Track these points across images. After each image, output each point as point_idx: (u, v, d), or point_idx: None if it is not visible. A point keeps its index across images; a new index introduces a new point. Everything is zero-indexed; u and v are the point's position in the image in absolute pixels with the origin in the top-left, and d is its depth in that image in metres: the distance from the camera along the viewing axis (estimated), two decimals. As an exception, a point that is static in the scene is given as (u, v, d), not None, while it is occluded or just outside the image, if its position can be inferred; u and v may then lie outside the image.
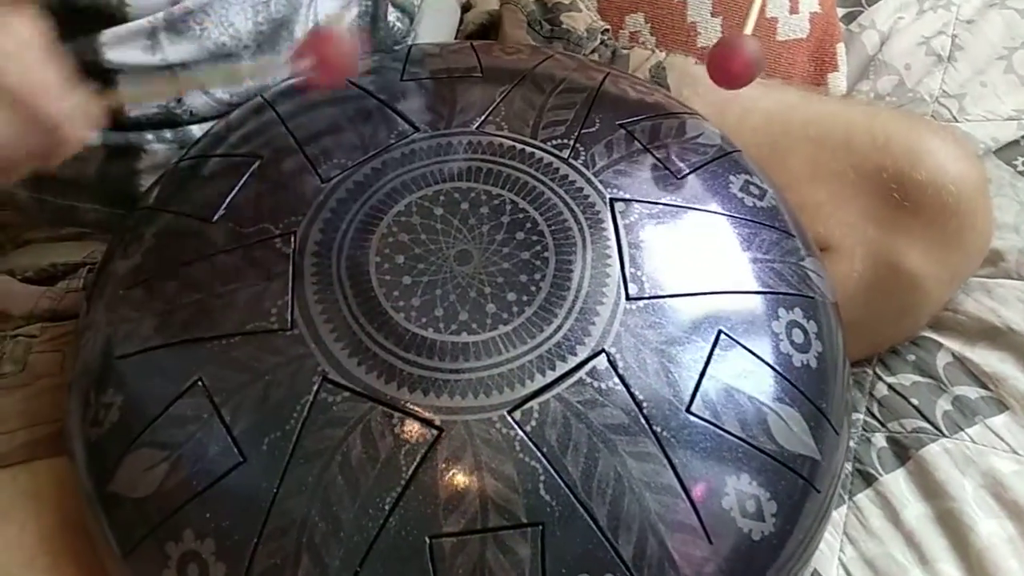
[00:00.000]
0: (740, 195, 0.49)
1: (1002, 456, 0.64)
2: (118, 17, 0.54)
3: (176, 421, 0.42)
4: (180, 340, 0.44)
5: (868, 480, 0.65)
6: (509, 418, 0.40)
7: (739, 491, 0.41)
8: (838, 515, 0.64)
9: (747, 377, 0.43)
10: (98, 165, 0.58)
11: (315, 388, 0.41)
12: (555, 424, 0.40)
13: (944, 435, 0.66)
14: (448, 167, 0.48)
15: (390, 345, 0.42)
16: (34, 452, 0.53)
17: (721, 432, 0.42)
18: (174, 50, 0.55)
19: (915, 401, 0.68)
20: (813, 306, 0.47)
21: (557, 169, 0.48)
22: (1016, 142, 0.81)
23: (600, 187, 0.47)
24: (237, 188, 0.48)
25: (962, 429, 0.66)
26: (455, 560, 0.38)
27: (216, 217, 0.48)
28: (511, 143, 0.49)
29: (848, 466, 0.66)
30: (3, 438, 0.54)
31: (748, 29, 0.48)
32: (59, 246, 0.62)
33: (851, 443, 0.67)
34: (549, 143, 0.49)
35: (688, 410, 0.41)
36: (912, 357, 0.70)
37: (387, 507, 0.39)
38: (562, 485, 0.39)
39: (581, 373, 0.41)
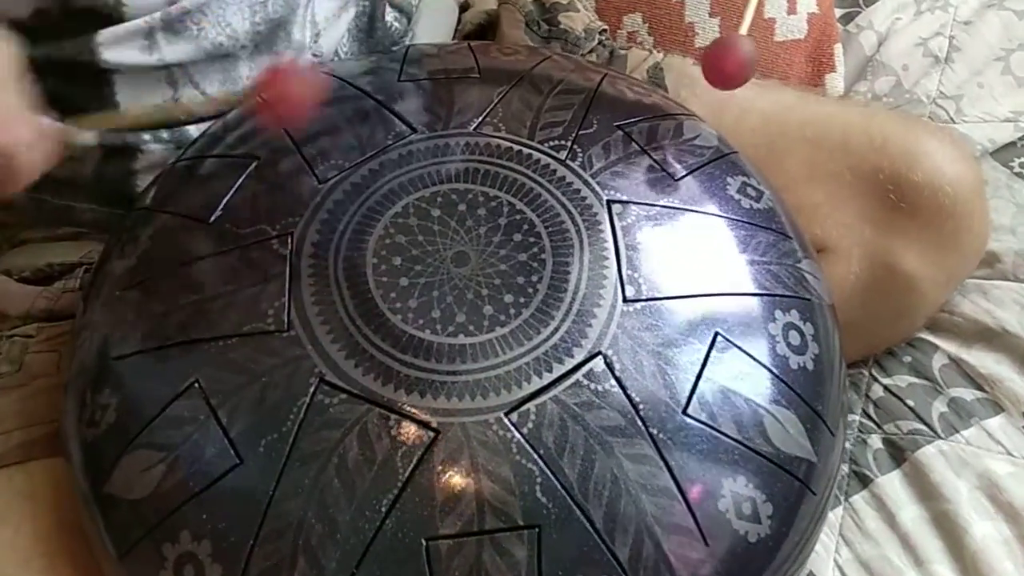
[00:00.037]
0: (737, 197, 0.49)
1: (997, 458, 0.64)
2: (115, 17, 0.54)
3: (173, 422, 0.42)
4: (177, 341, 0.44)
5: (864, 482, 0.66)
6: (506, 420, 0.40)
7: (735, 493, 0.41)
8: (834, 517, 0.64)
9: (743, 379, 0.43)
10: (95, 165, 0.58)
11: (312, 390, 0.41)
12: (552, 426, 0.40)
13: (940, 437, 0.66)
14: (445, 168, 0.48)
15: (387, 347, 0.42)
16: (30, 453, 0.53)
17: (717, 434, 0.42)
18: (171, 50, 0.55)
19: (911, 403, 0.68)
20: (810, 308, 0.47)
21: (554, 171, 0.48)
22: (1013, 144, 0.81)
23: (597, 189, 0.47)
24: (234, 189, 0.48)
25: (958, 431, 0.66)
26: (451, 562, 0.38)
27: (213, 218, 0.47)
28: (508, 144, 0.49)
29: (844, 468, 0.66)
30: (-1, 438, 0.54)
31: (743, 29, 0.48)
32: (56, 246, 0.62)
33: (847, 445, 0.67)
34: (546, 144, 0.49)
35: (684, 412, 0.41)
36: (908, 359, 0.70)
37: (384, 509, 0.39)
38: (559, 487, 0.39)
39: (578, 375, 0.41)
